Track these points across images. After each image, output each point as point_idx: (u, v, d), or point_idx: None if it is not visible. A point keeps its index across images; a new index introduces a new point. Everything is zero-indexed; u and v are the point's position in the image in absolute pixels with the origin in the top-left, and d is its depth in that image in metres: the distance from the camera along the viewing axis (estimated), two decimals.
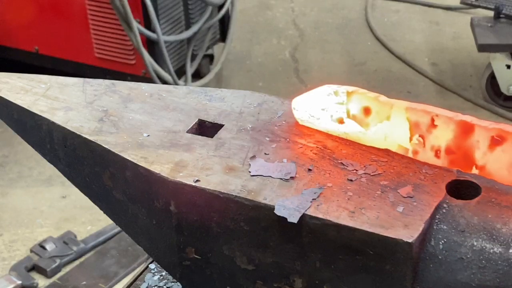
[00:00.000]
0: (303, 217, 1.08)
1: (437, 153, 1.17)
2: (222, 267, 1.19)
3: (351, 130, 1.24)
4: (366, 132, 1.22)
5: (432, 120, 1.15)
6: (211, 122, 1.30)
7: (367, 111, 1.21)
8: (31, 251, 3.07)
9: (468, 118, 1.13)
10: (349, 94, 1.23)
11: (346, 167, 1.18)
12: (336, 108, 1.24)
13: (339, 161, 1.19)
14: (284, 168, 1.18)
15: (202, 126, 1.30)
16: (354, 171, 1.17)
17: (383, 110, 1.20)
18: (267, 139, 1.25)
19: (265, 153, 1.22)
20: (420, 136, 1.17)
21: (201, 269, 1.21)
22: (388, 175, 1.16)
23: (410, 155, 1.20)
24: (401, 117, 1.18)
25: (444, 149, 1.16)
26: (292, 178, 1.16)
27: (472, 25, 4.00)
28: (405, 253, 1.04)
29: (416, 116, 1.17)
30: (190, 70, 4.03)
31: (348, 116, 1.23)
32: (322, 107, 1.25)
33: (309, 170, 1.17)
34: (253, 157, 1.20)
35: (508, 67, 3.91)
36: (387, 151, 1.21)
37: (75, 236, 3.14)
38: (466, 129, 1.13)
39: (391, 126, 1.20)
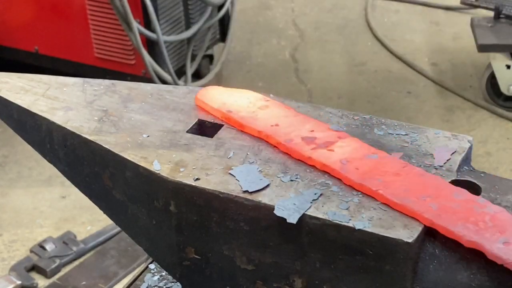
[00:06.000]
0: (303, 217, 1.08)
1: None
2: (222, 267, 1.19)
3: None
4: None
5: None
6: (211, 122, 1.30)
7: None
8: (31, 251, 3.07)
9: None
10: None
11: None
12: None
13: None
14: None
15: (202, 126, 1.30)
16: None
17: None
18: None
19: (265, 153, 1.22)
20: None
21: (201, 269, 1.21)
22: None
23: None
24: None
25: None
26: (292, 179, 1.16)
27: (472, 25, 4.00)
28: (405, 253, 1.04)
29: None
30: (190, 70, 4.03)
31: None
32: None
33: (310, 170, 1.17)
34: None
35: (508, 67, 3.90)
36: None
37: (75, 236, 3.14)
38: None
39: None
